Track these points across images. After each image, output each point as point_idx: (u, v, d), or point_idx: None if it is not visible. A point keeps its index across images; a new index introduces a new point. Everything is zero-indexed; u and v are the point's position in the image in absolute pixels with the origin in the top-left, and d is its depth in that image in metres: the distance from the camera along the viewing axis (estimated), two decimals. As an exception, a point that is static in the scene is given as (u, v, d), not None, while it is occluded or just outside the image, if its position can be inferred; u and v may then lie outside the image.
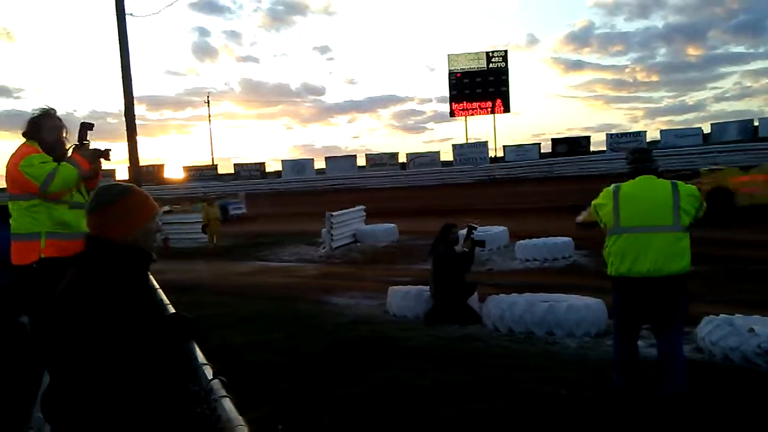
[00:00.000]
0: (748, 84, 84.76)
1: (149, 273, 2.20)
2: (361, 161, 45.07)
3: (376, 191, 35.21)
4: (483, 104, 46.07)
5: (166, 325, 2.12)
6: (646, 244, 4.18)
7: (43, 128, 3.75)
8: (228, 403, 1.52)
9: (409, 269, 12.63)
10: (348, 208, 17.87)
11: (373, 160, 44.83)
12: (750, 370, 4.93)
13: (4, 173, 3.75)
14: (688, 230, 4.21)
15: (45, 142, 3.74)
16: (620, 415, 4.15)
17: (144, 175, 32.93)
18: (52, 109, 3.88)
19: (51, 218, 3.64)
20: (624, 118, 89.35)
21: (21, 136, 3.78)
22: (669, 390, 4.14)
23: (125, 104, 14.68)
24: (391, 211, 23.31)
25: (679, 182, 4.30)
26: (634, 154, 4.51)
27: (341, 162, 45.02)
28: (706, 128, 40.31)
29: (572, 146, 41.25)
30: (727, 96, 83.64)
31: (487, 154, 42.89)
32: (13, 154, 3.70)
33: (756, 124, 38.74)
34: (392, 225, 18.12)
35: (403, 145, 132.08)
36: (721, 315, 5.64)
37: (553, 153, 41.16)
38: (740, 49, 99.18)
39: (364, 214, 19.00)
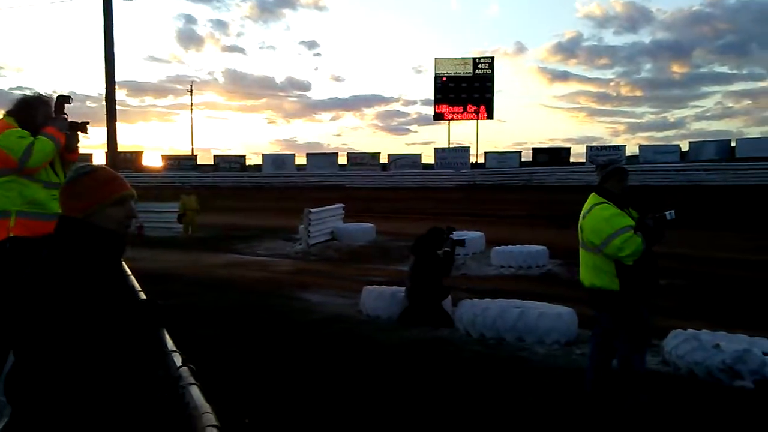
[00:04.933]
0: (730, 104, 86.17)
1: (121, 258, 2.18)
2: (342, 160, 44.98)
3: (356, 190, 35.17)
4: (467, 109, 46.30)
5: (136, 310, 2.10)
6: (580, 256, 4.55)
7: (38, 114, 3.75)
8: (196, 391, 1.52)
9: (384, 269, 12.64)
10: (327, 206, 17.83)
11: (355, 159, 44.75)
12: (712, 385, 5.02)
13: None
14: (600, 252, 4.25)
15: (34, 126, 3.70)
16: (583, 421, 4.21)
17: (121, 161, 32.58)
18: (48, 96, 3.88)
19: (22, 196, 3.56)
20: (605, 131, 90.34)
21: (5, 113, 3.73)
22: (626, 401, 4.27)
23: (106, 88, 14.54)
24: (369, 210, 23.31)
25: (597, 207, 4.33)
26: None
27: (322, 159, 44.88)
28: (685, 146, 41.00)
29: (553, 156, 41.58)
30: (707, 115, 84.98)
31: (469, 159, 43.05)
32: None
33: (733, 144, 39.45)
34: (370, 225, 18.12)
35: (386, 145, 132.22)
36: (689, 329, 5.73)
37: (534, 162, 41.43)
38: (724, 69, 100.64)
39: (343, 212, 18.97)
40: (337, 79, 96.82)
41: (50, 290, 1.75)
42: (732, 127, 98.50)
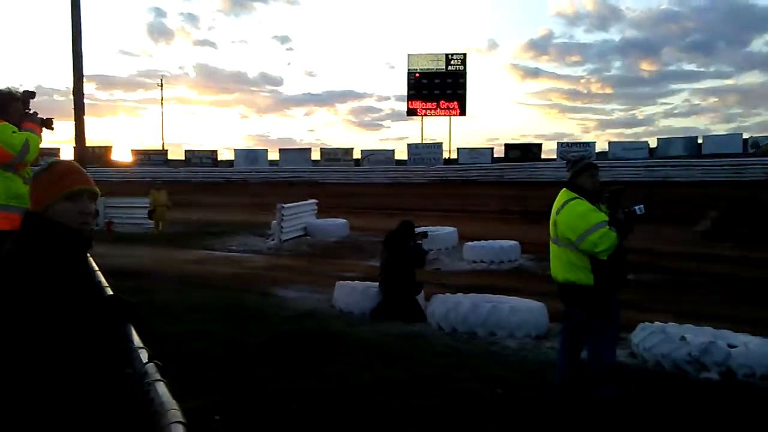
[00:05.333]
0: (697, 102, 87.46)
1: (87, 255, 2.14)
2: (315, 155, 44.77)
3: (329, 186, 35.07)
4: (440, 105, 46.41)
5: (101, 306, 2.07)
6: (551, 251, 4.55)
7: (10, 110, 3.77)
8: (162, 387, 1.49)
9: (357, 265, 12.64)
10: (300, 201, 17.76)
11: (328, 154, 44.56)
12: (679, 377, 5.12)
13: None
14: (575, 248, 4.24)
15: (7, 121, 3.71)
16: (554, 414, 4.26)
17: (90, 156, 32.05)
18: (18, 91, 3.89)
19: (6, 190, 3.59)
20: (576, 128, 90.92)
21: None
22: (597, 393, 4.31)
23: (74, 82, 14.25)
24: (342, 206, 23.28)
25: (572, 203, 4.31)
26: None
27: (295, 154, 44.61)
28: (653, 142, 41.67)
29: (524, 152, 41.86)
30: (675, 112, 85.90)
31: (442, 155, 43.15)
32: None
33: (700, 141, 40.19)
34: (343, 220, 18.10)
35: (359, 141, 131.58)
36: (656, 322, 5.84)
37: (506, 158, 41.66)
38: (692, 67, 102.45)
39: (316, 207, 18.92)
40: (310, 74, 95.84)
41: (4, 284, 1.73)
42: (699, 125, 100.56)
